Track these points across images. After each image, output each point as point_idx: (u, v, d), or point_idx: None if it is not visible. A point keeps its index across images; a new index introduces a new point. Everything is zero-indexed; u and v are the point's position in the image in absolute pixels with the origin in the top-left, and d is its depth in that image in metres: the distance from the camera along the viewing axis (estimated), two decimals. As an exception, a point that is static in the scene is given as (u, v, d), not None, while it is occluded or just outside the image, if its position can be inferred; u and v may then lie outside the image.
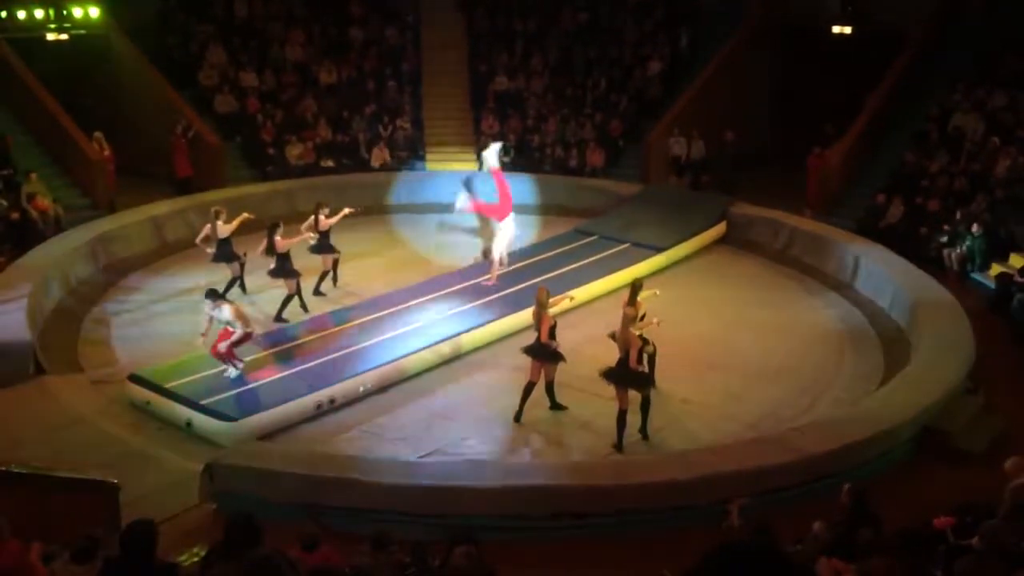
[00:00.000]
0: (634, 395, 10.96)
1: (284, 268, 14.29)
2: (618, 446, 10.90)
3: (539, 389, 11.59)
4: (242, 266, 15.11)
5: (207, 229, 14.85)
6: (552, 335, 11.38)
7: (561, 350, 11.48)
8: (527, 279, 15.09)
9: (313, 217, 15.12)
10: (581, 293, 14.55)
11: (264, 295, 15.03)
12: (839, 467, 9.85)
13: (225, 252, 14.91)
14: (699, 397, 12.26)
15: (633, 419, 11.00)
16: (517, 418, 11.52)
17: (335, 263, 15.67)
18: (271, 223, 14.40)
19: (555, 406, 11.72)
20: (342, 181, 20.03)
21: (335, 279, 15.76)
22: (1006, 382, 12.38)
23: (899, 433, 10.63)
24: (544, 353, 11.44)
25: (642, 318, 11.31)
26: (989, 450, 10.84)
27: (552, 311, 11.52)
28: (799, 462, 9.85)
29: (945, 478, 10.30)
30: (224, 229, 14.74)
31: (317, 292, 15.30)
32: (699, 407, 12.01)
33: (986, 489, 8.61)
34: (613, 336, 11.19)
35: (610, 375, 10.94)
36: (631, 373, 10.84)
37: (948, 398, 11.31)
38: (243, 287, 15.26)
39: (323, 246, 15.36)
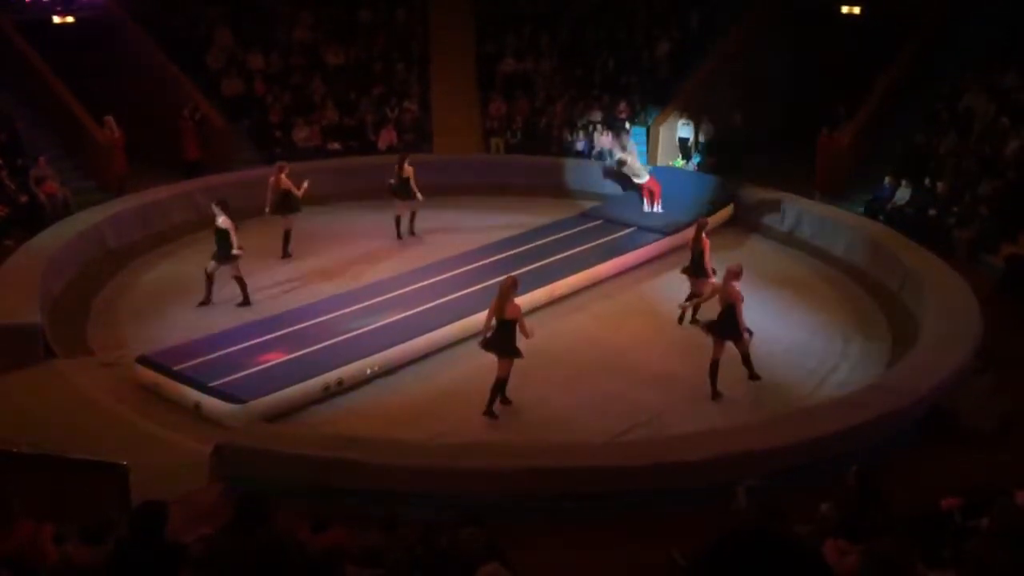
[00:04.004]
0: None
1: (286, 204, 15.77)
2: (714, 395, 11.69)
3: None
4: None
5: (271, 181, 15.91)
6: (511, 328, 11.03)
7: (533, 341, 11.18)
8: (533, 261, 15.13)
9: (398, 164, 16.80)
10: (587, 276, 14.55)
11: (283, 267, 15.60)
12: (847, 448, 9.83)
13: (286, 204, 15.92)
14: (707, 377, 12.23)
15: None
16: (501, 403, 11.41)
17: (413, 214, 17.18)
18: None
19: (490, 412, 11.27)
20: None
21: (412, 227, 17.28)
22: (1016, 362, 12.34)
23: (907, 413, 10.61)
24: (502, 347, 11.13)
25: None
26: (999, 430, 10.83)
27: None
28: (807, 443, 9.84)
29: (954, 458, 10.26)
30: (286, 182, 15.81)
31: (411, 232, 17.19)
32: (708, 387, 11.98)
33: (996, 469, 8.58)
34: (686, 271, 12.79)
35: (712, 327, 11.73)
36: (734, 326, 11.53)
37: (956, 378, 11.27)
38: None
39: (403, 190, 16.77)
